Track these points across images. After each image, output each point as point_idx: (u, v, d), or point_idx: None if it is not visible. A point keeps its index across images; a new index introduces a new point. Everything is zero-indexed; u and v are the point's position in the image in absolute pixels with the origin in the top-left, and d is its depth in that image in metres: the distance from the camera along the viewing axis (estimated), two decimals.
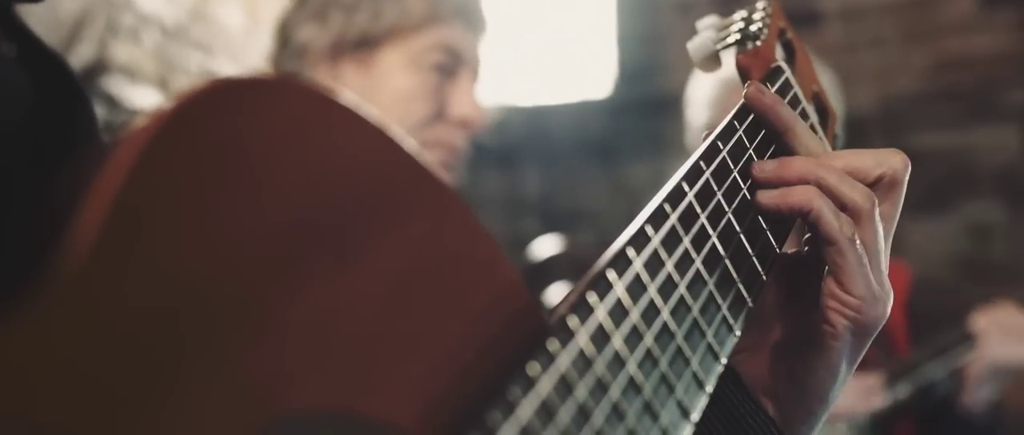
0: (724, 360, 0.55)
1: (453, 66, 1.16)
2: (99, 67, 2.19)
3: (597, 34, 3.49)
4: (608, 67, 3.46)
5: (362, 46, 1.13)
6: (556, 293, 1.81)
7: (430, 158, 1.12)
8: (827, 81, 1.79)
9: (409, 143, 0.43)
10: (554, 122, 3.46)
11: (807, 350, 0.63)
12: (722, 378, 0.55)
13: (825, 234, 0.60)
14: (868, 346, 0.64)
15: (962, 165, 3.03)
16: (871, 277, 0.61)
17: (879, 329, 0.63)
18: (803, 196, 0.61)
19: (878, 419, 1.76)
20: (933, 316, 1.83)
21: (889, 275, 0.63)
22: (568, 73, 3.53)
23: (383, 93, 1.13)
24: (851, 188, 0.61)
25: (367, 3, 1.13)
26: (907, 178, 0.66)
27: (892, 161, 0.64)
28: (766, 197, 0.62)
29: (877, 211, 0.62)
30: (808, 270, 0.64)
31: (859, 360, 0.65)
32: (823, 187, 0.61)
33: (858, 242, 0.60)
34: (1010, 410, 1.90)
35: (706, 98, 1.71)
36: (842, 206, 0.61)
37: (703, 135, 0.63)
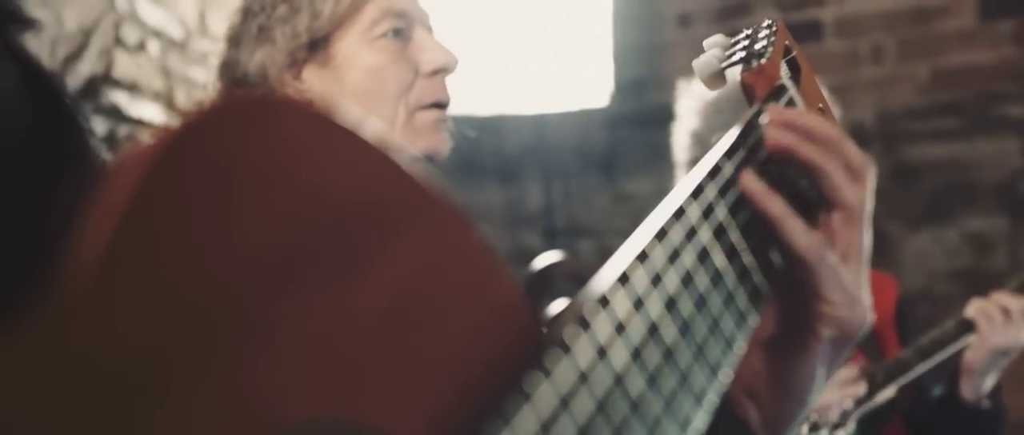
0: (725, 380, 0.55)
1: (405, 27, 1.15)
2: (103, 79, 2.20)
3: (596, 45, 3.50)
4: (606, 78, 3.47)
5: (315, 47, 1.13)
6: (558, 308, 1.81)
7: (424, 121, 1.12)
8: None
9: (408, 160, 0.43)
10: (555, 135, 3.47)
11: (789, 353, 0.65)
12: None
13: (797, 251, 0.62)
14: (848, 352, 0.66)
15: (962, 177, 3.03)
16: (846, 282, 0.63)
17: (860, 335, 0.65)
18: (813, 152, 0.63)
19: (866, 419, 1.76)
20: (923, 329, 1.84)
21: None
22: (567, 83, 3.54)
23: (353, 79, 1.12)
24: (847, 182, 0.64)
25: (303, 4, 1.13)
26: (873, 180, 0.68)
27: (871, 167, 0.67)
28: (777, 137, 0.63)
29: (866, 212, 0.64)
30: (789, 273, 0.65)
31: (839, 365, 0.67)
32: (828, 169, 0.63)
33: (831, 254, 0.62)
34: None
35: (690, 110, 1.76)
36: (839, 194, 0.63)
37: (714, 139, 0.65)
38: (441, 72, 1.15)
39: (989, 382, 1.79)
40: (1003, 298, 1.77)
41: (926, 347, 1.78)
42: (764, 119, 0.65)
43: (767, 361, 0.66)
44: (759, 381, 0.66)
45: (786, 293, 0.65)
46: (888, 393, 1.75)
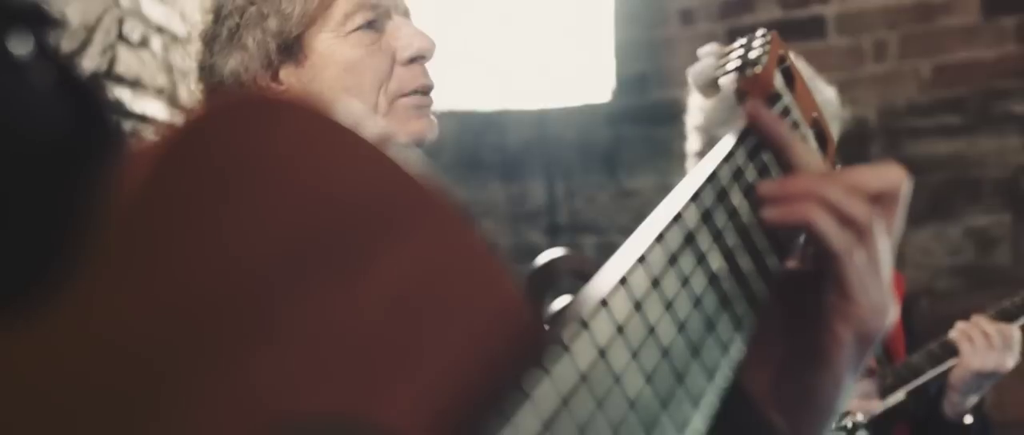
0: (722, 383, 0.56)
1: (379, 19, 1.12)
2: (106, 75, 2.20)
3: (598, 40, 3.50)
4: (608, 74, 3.47)
5: (289, 48, 1.11)
6: (561, 304, 1.81)
7: (406, 107, 1.10)
8: (830, 95, 1.82)
9: (409, 161, 0.43)
10: (558, 131, 3.47)
11: (813, 363, 0.65)
12: (731, 396, 0.56)
13: (827, 247, 0.62)
14: (870, 355, 0.66)
15: (965, 173, 3.03)
16: (871, 288, 0.63)
17: (881, 338, 0.64)
18: (804, 211, 0.63)
19: (875, 423, 1.77)
20: (930, 326, 1.84)
21: None
22: (570, 79, 3.54)
23: (331, 76, 1.10)
24: (852, 202, 0.63)
25: (270, 7, 1.11)
26: (907, 192, 0.68)
27: (891, 176, 0.67)
28: (770, 213, 0.64)
29: (879, 224, 0.64)
30: (811, 285, 0.65)
31: (862, 369, 0.67)
32: (826, 202, 0.63)
33: (860, 254, 0.62)
34: (1008, 416, 1.91)
35: (699, 104, 1.77)
36: (844, 220, 0.63)
37: (705, 153, 0.65)
38: (419, 59, 1.13)
39: (971, 400, 1.79)
40: (983, 323, 1.78)
41: (936, 352, 1.78)
42: (760, 187, 0.65)
43: (791, 375, 0.66)
44: (785, 394, 0.66)
45: (802, 304, 0.66)
46: (897, 397, 1.76)
